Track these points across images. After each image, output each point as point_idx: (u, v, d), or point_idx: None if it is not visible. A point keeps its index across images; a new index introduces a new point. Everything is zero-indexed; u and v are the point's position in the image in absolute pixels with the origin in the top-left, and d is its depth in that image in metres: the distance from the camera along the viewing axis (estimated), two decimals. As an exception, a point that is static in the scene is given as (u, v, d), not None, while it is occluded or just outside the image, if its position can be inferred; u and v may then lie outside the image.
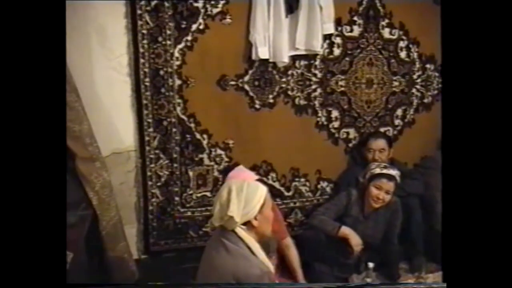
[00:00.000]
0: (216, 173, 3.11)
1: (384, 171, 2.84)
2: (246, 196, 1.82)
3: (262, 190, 1.89)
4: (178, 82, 2.88)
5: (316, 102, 3.24)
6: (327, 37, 3.11)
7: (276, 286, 2.08)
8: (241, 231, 1.84)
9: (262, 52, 2.92)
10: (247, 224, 1.85)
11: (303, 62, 3.14)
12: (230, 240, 1.83)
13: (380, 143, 3.23)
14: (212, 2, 2.84)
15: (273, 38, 2.93)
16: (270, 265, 1.88)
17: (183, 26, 2.81)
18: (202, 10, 2.83)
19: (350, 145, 3.41)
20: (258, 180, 2.51)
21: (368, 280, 2.52)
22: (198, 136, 3.02)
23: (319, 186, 3.40)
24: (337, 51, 3.20)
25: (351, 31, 3.20)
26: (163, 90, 2.85)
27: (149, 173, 2.96)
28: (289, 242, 2.72)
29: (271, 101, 3.13)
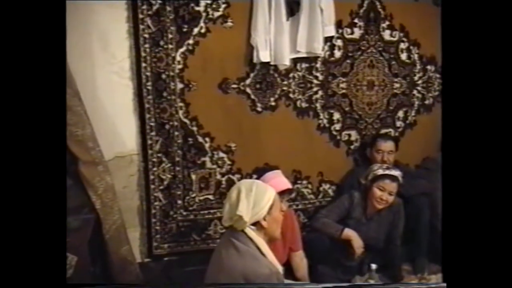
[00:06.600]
0: (218, 176, 3.12)
1: (387, 172, 2.82)
2: (255, 197, 1.85)
3: (271, 192, 1.92)
4: (180, 85, 2.89)
5: (318, 105, 3.25)
6: (328, 39, 3.12)
7: (279, 286, 2.08)
8: (250, 232, 1.86)
9: (264, 55, 2.93)
10: (256, 224, 1.88)
11: (304, 65, 3.14)
12: (239, 240, 1.85)
13: (390, 144, 3.24)
14: (214, 6, 2.85)
15: (274, 41, 2.94)
16: (279, 265, 1.91)
17: (184, 30, 2.82)
18: (204, 14, 2.83)
19: (352, 147, 3.42)
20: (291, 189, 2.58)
21: (371, 281, 2.52)
22: (200, 139, 3.02)
23: (321, 189, 3.40)
24: (338, 54, 3.21)
25: (352, 33, 3.21)
26: (165, 93, 2.86)
27: (151, 177, 2.96)
28: (302, 254, 2.76)
29: (273, 104, 3.13)
